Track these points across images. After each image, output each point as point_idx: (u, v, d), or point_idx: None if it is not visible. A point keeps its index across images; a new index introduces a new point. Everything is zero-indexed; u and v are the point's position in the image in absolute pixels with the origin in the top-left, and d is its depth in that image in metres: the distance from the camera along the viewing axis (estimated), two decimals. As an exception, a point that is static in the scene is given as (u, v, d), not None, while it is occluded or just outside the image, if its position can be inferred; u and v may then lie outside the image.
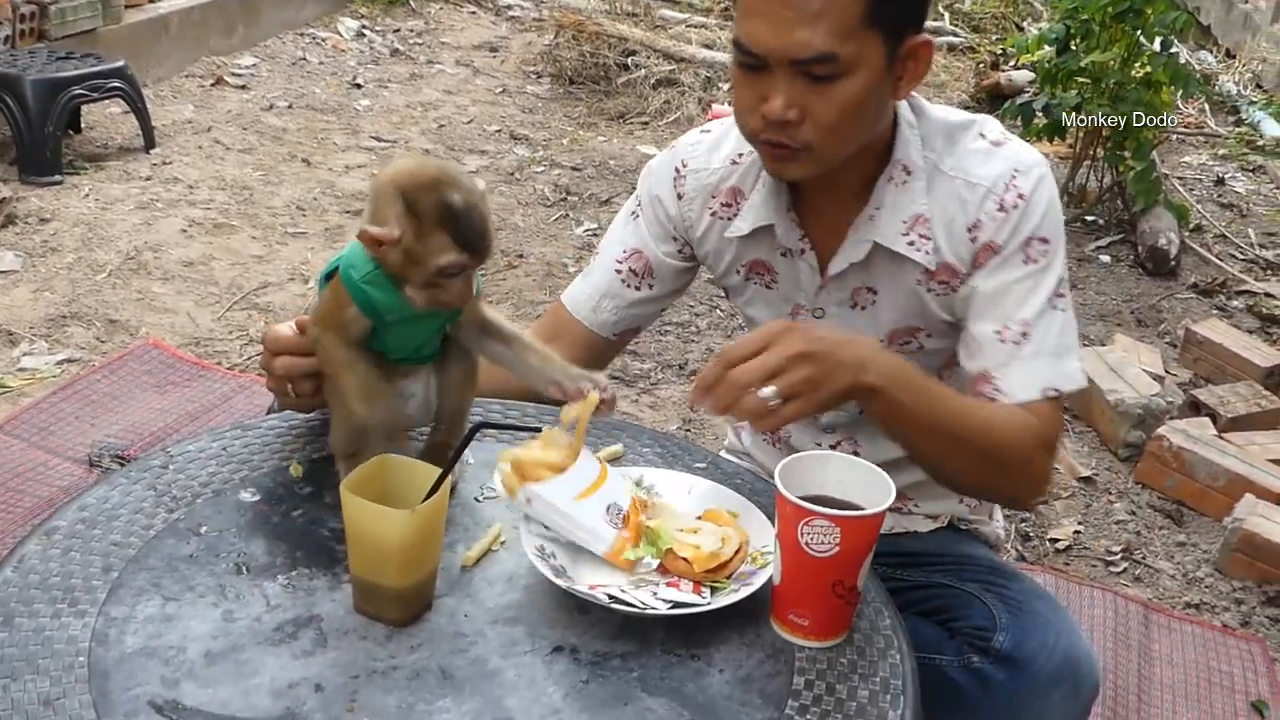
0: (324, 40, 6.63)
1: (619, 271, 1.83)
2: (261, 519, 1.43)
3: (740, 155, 1.73)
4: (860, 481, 1.34)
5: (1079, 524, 2.95)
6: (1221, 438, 3.22)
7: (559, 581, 1.31)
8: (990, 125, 1.68)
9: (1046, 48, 4.92)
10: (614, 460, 1.61)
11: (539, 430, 1.41)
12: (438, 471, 1.29)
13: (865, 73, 1.48)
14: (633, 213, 1.85)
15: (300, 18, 6.79)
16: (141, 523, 1.40)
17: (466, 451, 1.34)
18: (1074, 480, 3.14)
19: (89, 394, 2.91)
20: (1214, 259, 4.88)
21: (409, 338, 1.42)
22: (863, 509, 1.29)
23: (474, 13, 7.87)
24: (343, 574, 1.34)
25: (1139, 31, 4.73)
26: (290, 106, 5.52)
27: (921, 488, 1.80)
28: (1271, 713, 2.37)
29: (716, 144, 1.77)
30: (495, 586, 1.36)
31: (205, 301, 3.55)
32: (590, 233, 4.48)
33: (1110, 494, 3.12)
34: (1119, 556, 2.86)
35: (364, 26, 6.99)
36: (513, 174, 5.08)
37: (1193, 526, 3.03)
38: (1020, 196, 1.60)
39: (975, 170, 1.63)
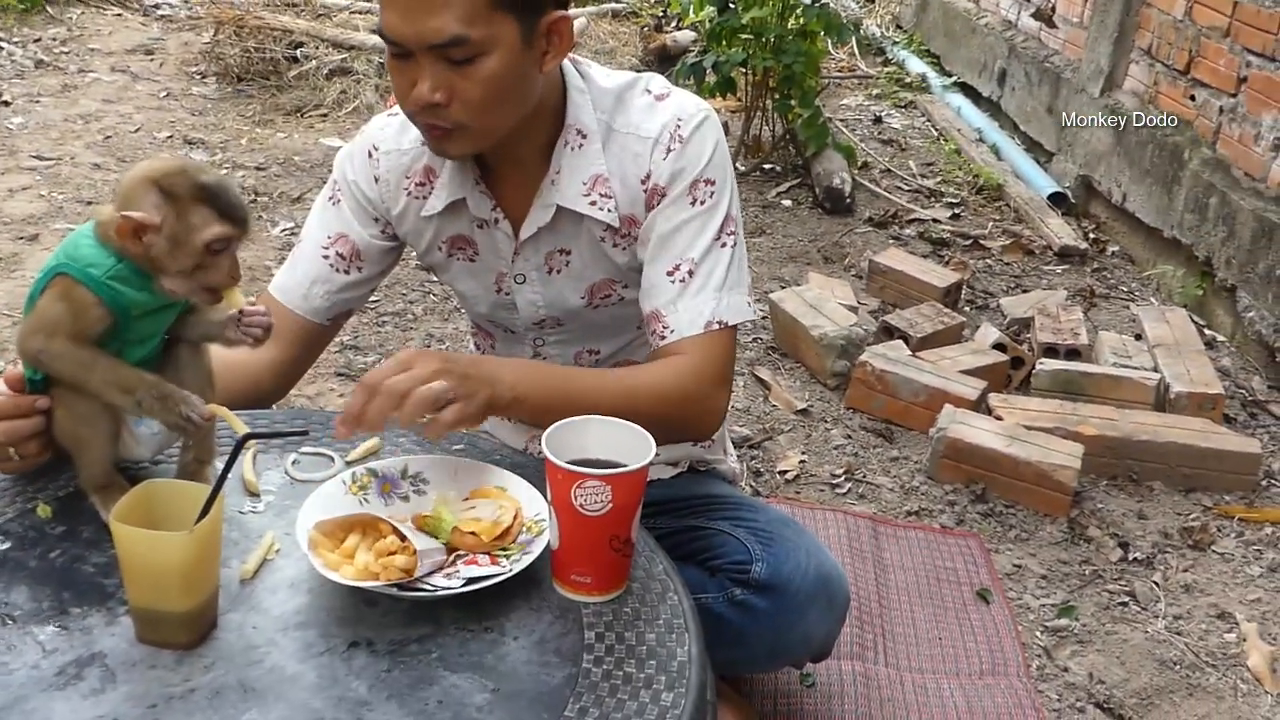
0: (-43, 58, 6.18)
1: (326, 257, 1.84)
2: (17, 565, 1.37)
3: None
4: (620, 440, 1.40)
5: (803, 454, 3.12)
6: (916, 356, 3.46)
7: (338, 578, 1.33)
8: (655, 81, 1.78)
9: (709, 8, 5.11)
10: (372, 454, 1.63)
11: (305, 434, 1.41)
12: (202, 490, 1.28)
13: (502, 51, 1.55)
14: (330, 198, 1.87)
15: (-74, 36, 6.32)
16: (-118, 589, 1.33)
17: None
18: (792, 414, 3.32)
19: None
20: (883, 193, 5.20)
21: (147, 334, 1.40)
22: (626, 465, 1.35)
23: (119, 15, 7.49)
24: (118, 607, 1.30)
25: (792, -14, 4.99)
26: (-68, 133, 5.14)
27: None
28: (994, 597, 2.59)
29: (405, 125, 1.79)
30: (278, 594, 1.36)
31: (-120, 351, 3.29)
32: (288, 232, 4.37)
33: (826, 422, 3.31)
34: (842, 478, 3.04)
35: None
36: (194, 180, 4.89)
37: (902, 442, 3.25)
38: (681, 139, 1.69)
39: (644, 124, 1.71)
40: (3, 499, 1.49)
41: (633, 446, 1.38)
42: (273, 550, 1.42)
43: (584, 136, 1.71)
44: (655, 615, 1.37)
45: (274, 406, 1.87)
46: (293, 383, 1.90)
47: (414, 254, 1.93)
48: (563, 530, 1.35)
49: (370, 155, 1.82)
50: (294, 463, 1.60)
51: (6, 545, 1.40)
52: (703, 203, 1.70)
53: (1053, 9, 5.72)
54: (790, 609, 1.75)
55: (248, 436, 1.34)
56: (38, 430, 1.45)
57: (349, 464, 1.59)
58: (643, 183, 1.71)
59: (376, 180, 1.82)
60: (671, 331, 1.69)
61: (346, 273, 1.85)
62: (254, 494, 1.53)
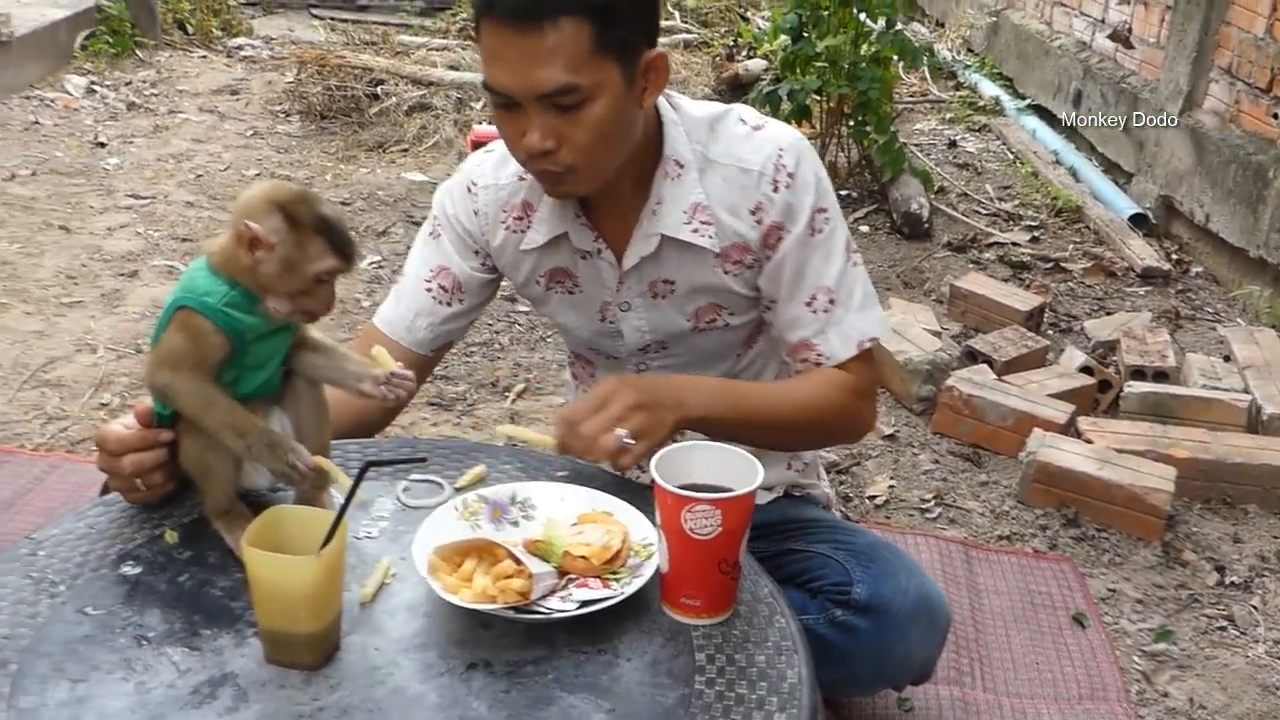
0: (53, 101, 6.35)
1: (429, 290, 1.90)
2: (148, 589, 1.42)
3: (526, 172, 1.82)
4: (725, 464, 1.43)
5: (891, 479, 3.13)
6: (1002, 381, 3.46)
7: (458, 601, 1.36)
8: (746, 111, 1.82)
9: (783, 37, 5.15)
10: (479, 480, 1.67)
11: (424, 460, 1.46)
12: (325, 516, 1.32)
13: (607, 95, 1.59)
14: (431, 233, 1.92)
15: (21, 80, 6.50)
16: (25, 611, 1.38)
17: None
18: (879, 439, 3.33)
19: (-118, 501, 2.77)
20: (961, 217, 5.19)
21: (264, 358, 1.45)
22: (733, 489, 1.37)
23: (205, 57, 7.67)
24: (246, 629, 1.35)
25: (864, 14, 5.00)
26: (34, 174, 5.28)
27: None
28: (1091, 622, 2.58)
29: (503, 161, 1.85)
30: (397, 617, 1.40)
31: (-11, 386, 3.40)
32: (375, 265, 4.45)
33: (914, 447, 3.31)
34: (932, 503, 3.04)
35: (93, 83, 6.73)
36: (282, 216, 5.00)
37: (991, 466, 3.25)
38: (790, 175, 1.73)
39: (744, 155, 1.76)
40: (131, 525, 1.54)
41: (738, 470, 1.41)
42: (389, 574, 1.46)
43: (681, 166, 1.75)
44: (764, 637, 1.39)
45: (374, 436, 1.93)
46: (396, 414, 1.96)
47: (510, 285, 1.97)
48: (672, 554, 1.38)
49: (469, 190, 1.87)
50: (405, 489, 1.65)
51: (138, 570, 1.46)
52: (821, 231, 1.76)
53: (1129, 30, 5.69)
54: (891, 629, 1.77)
55: (370, 464, 1.38)
56: (162, 462, 1.51)
57: (458, 490, 1.63)
58: (753, 213, 1.75)
59: (475, 214, 1.87)
60: (826, 359, 1.78)
61: (449, 305, 1.90)
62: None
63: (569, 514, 1.55)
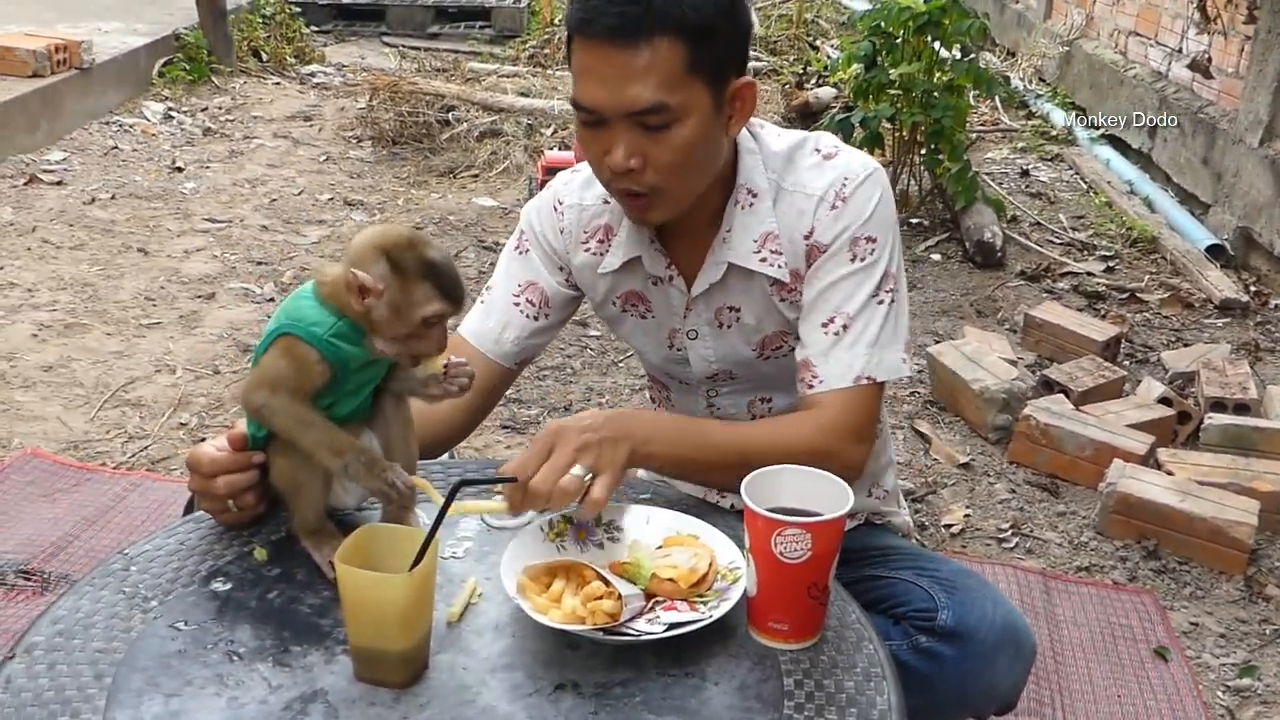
0: (132, 127, 6.48)
1: (517, 304, 1.92)
2: (238, 605, 1.44)
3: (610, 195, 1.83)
4: (815, 488, 1.42)
5: (967, 508, 3.10)
6: (1080, 411, 3.42)
7: (548, 621, 1.37)
8: (824, 139, 1.81)
9: (856, 65, 5.14)
10: (564, 502, 1.67)
11: (514, 480, 1.46)
12: (413, 534, 1.33)
13: (696, 117, 1.60)
14: (518, 248, 1.94)
15: (102, 106, 6.64)
16: (120, 626, 1.39)
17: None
18: (954, 468, 3.30)
19: (-24, 513, 2.83)
20: (1034, 246, 5.15)
21: (361, 384, 1.47)
22: (821, 514, 1.36)
23: (279, 84, 7.80)
24: (335, 647, 1.36)
25: (938, 42, 5.00)
26: (114, 197, 5.39)
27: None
28: (1174, 656, 2.54)
29: (588, 182, 1.86)
30: (484, 637, 1.40)
31: (74, 404, 3.46)
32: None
33: (989, 476, 3.29)
34: (1009, 533, 3.02)
35: (170, 109, 6.87)
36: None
37: (1069, 496, 3.21)
38: (844, 197, 1.72)
39: (811, 183, 1.75)
40: (220, 542, 1.56)
41: (827, 495, 1.40)
42: (476, 594, 1.47)
43: (754, 196, 1.76)
44: (852, 663, 1.38)
45: (449, 455, 1.94)
46: (477, 425, 1.97)
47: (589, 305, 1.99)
48: (761, 577, 1.37)
49: (555, 208, 1.90)
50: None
51: (228, 586, 1.47)
52: (863, 259, 1.73)
53: (1209, 60, 5.63)
54: (977, 656, 1.74)
55: (463, 482, 1.39)
56: (253, 484, 1.53)
57: (542, 511, 1.64)
58: (806, 238, 1.75)
59: (561, 232, 1.89)
60: (820, 382, 1.72)
61: (535, 319, 1.92)
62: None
63: (655, 537, 1.54)
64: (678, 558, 1.47)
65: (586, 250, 1.88)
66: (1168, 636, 2.60)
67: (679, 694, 1.31)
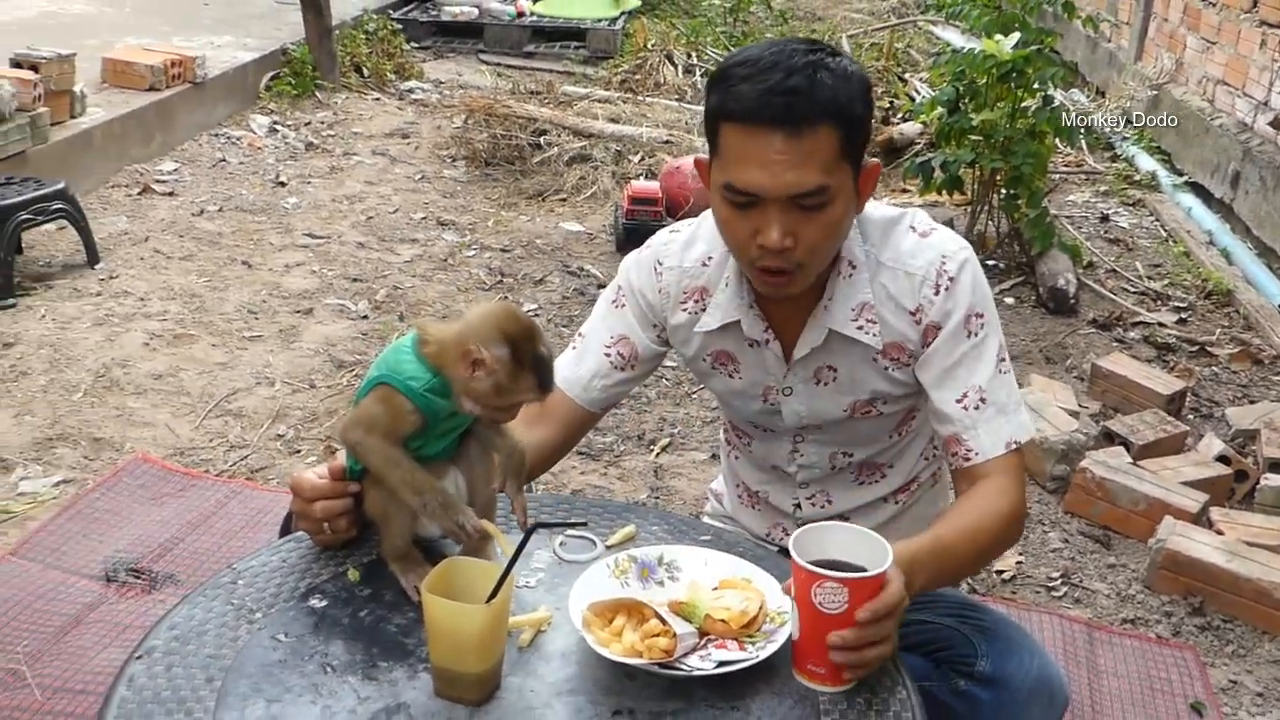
0: (239, 139, 6.74)
1: (608, 355, 2.04)
2: (333, 621, 1.59)
3: (710, 258, 1.96)
4: (862, 546, 1.53)
5: (1019, 555, 3.19)
6: (1137, 465, 3.49)
7: (609, 654, 1.51)
8: (919, 217, 1.94)
9: (939, 109, 5.24)
10: (629, 539, 1.81)
11: (585, 524, 1.62)
12: (492, 568, 1.48)
13: (843, 197, 1.74)
14: (615, 301, 2.06)
15: (213, 118, 6.91)
16: (228, 635, 1.55)
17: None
18: (1009, 515, 3.38)
19: (90, 512, 3.03)
20: (1108, 294, 5.20)
21: (449, 429, 1.62)
22: (866, 570, 1.48)
23: (379, 99, 8.03)
24: (418, 665, 1.50)
25: (1021, 89, 5.07)
26: (220, 210, 5.63)
27: (887, 534, 2.03)
28: (1209, 712, 2.63)
29: (689, 243, 2.00)
30: (551, 663, 1.54)
31: (180, 412, 3.67)
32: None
33: (1044, 525, 3.38)
34: (1058, 582, 3.10)
35: (275, 123, 7.11)
36: (445, 260, 5.25)
37: (1120, 549, 3.29)
38: (951, 280, 1.86)
39: (910, 261, 1.88)
40: (318, 562, 1.71)
41: (871, 552, 1.51)
42: (546, 624, 1.61)
43: (854, 267, 1.89)
44: (885, 706, 1.49)
45: (528, 486, 2.09)
46: (555, 462, 2.11)
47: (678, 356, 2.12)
48: (803, 624, 1.48)
49: (655, 269, 2.02)
50: (561, 544, 1.80)
51: (324, 604, 1.62)
52: (976, 334, 1.87)
53: (1292, 116, 5.65)
54: (1012, 703, 1.85)
55: (537, 525, 1.55)
56: (347, 510, 1.69)
57: (609, 548, 1.79)
58: (913, 314, 1.88)
59: (660, 292, 2.01)
60: (976, 454, 1.86)
61: (623, 370, 2.05)
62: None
63: (711, 578, 1.68)
64: (730, 600, 1.60)
65: (684, 310, 2.00)
66: (1205, 692, 2.68)
67: (725, 725, 1.45)
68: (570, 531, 1.81)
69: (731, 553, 1.75)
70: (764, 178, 1.70)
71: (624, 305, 2.05)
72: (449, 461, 1.66)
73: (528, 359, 1.54)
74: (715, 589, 1.65)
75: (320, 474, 1.69)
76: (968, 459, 1.87)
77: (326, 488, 1.67)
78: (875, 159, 1.81)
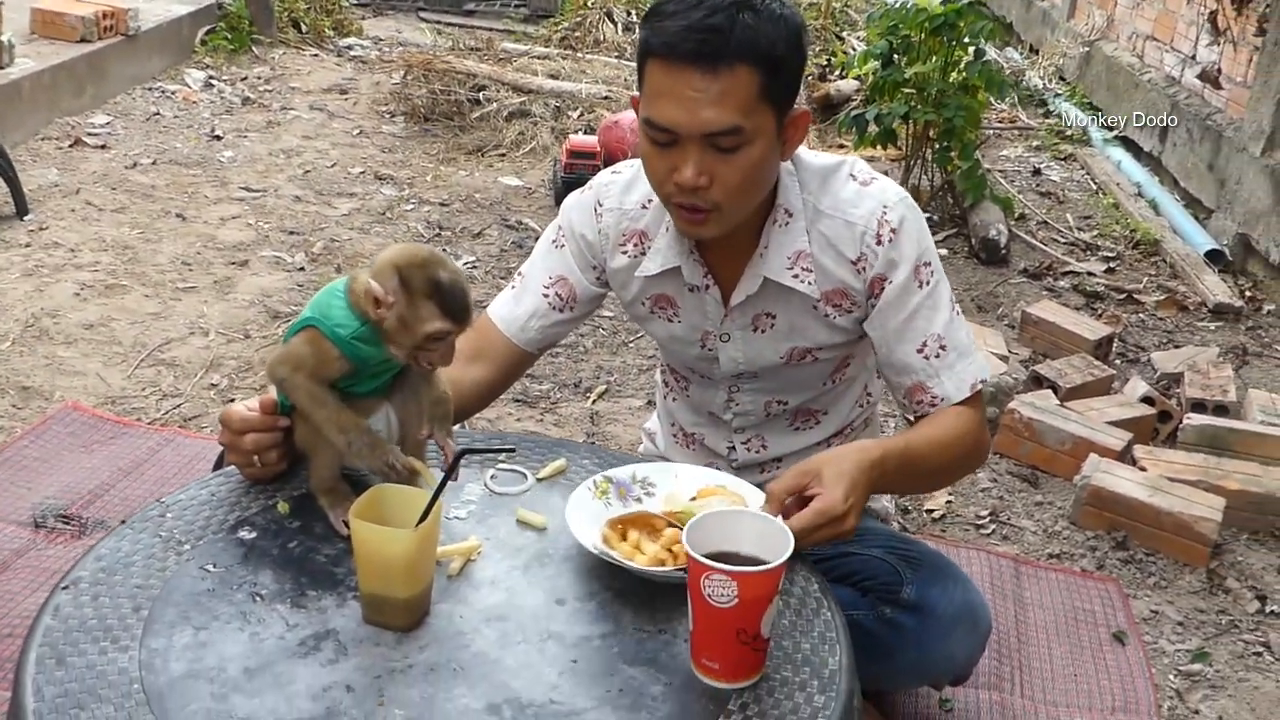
0: (174, 93, 6.65)
1: (546, 295, 2.05)
2: (262, 552, 1.60)
3: (650, 200, 1.96)
4: (768, 536, 1.47)
5: (949, 495, 3.25)
6: (1064, 406, 3.56)
7: (635, 567, 1.56)
8: (859, 166, 1.95)
9: (873, 62, 5.27)
10: (560, 473, 1.83)
11: (513, 450, 1.64)
12: (421, 495, 1.49)
13: (761, 141, 1.74)
14: (554, 241, 2.07)
15: (146, 72, 6.81)
16: (156, 566, 1.56)
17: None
18: (940, 457, 3.44)
19: (19, 460, 2.99)
20: (1039, 244, 5.28)
21: (380, 373, 1.63)
22: (769, 562, 1.41)
23: (316, 55, 7.95)
24: (347, 593, 1.52)
25: (954, 43, 5.11)
26: (154, 163, 5.57)
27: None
28: (1131, 640, 2.70)
29: (629, 185, 2.00)
30: (480, 591, 1.56)
31: (112, 361, 3.64)
32: (470, 265, 4.65)
33: (973, 465, 3.44)
34: (987, 520, 3.16)
35: (211, 77, 7.03)
36: (384, 214, 5.22)
37: (1047, 487, 3.36)
38: (894, 231, 1.87)
39: (850, 210, 1.89)
40: (248, 495, 1.72)
41: (775, 545, 1.44)
42: (476, 553, 1.63)
43: (790, 215, 1.90)
44: (810, 627, 1.54)
45: (462, 425, 2.10)
46: (491, 401, 2.12)
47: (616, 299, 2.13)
48: (695, 616, 1.43)
49: (595, 210, 2.02)
50: (492, 477, 1.81)
51: (253, 535, 1.64)
52: (928, 283, 1.89)
53: (1218, 71, 5.73)
54: (936, 629, 1.90)
55: (465, 451, 1.56)
56: (277, 444, 1.70)
57: (539, 480, 1.81)
58: (854, 263, 1.89)
59: (599, 233, 2.02)
60: (942, 400, 1.91)
61: (561, 311, 2.06)
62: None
63: (686, 490, 1.72)
64: (718, 506, 1.61)
65: (623, 253, 2.01)
66: (1127, 622, 2.75)
67: (651, 648, 1.48)
68: (501, 465, 1.83)
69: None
70: (679, 114, 1.71)
71: (564, 246, 2.06)
72: (382, 398, 1.67)
73: (421, 286, 1.53)
74: (694, 499, 1.69)
75: (250, 407, 1.69)
76: (934, 404, 1.91)
77: (256, 420, 1.68)
78: (805, 107, 1.81)
